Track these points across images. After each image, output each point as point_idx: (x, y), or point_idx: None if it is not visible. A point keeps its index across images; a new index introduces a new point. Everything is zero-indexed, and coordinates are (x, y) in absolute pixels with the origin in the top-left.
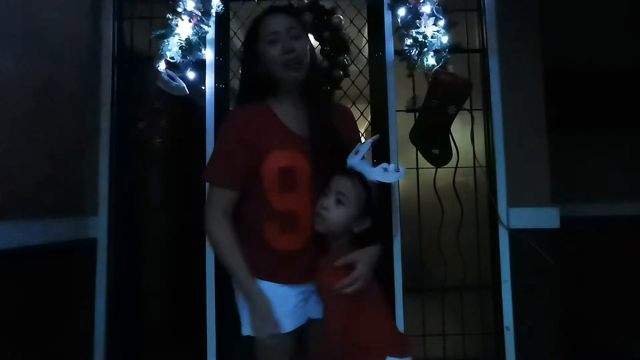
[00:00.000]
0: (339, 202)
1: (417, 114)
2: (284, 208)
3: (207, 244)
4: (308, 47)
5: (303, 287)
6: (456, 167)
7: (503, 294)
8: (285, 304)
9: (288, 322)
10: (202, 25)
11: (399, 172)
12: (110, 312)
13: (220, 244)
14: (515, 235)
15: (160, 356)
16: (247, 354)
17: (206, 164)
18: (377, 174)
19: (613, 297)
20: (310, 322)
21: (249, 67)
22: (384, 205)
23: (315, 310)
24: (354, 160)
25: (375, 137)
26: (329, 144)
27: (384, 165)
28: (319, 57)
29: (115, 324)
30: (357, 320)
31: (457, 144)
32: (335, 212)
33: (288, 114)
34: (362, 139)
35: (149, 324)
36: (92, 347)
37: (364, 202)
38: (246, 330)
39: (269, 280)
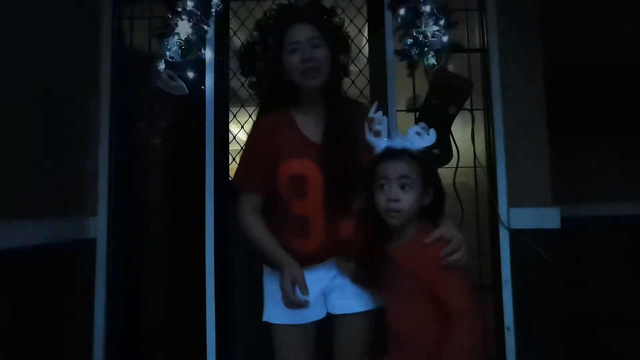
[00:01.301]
0: (404, 186)
1: (417, 113)
2: (297, 213)
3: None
4: (329, 55)
5: (320, 272)
6: (456, 167)
7: (504, 294)
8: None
9: (305, 313)
10: (201, 25)
11: (432, 132)
12: (109, 312)
13: (254, 234)
14: (516, 236)
15: (160, 356)
16: (247, 353)
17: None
18: (415, 141)
19: (613, 297)
20: (332, 318)
21: (273, 75)
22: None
23: (335, 306)
24: (383, 141)
25: (375, 104)
26: (344, 151)
27: (415, 129)
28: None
29: (114, 324)
30: None
31: (457, 143)
32: (406, 198)
33: (308, 121)
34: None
35: (149, 324)
36: (92, 347)
37: (424, 174)
38: (266, 316)
39: None
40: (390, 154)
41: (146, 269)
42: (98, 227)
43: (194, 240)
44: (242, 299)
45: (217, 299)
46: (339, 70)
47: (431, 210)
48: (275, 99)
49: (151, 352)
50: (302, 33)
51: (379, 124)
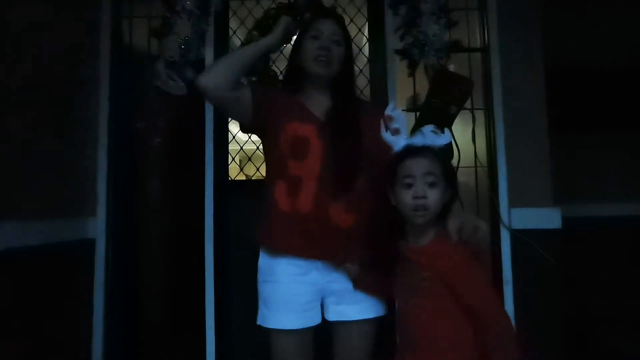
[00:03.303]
0: (430, 184)
1: (417, 113)
2: (293, 173)
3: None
4: (343, 55)
5: (314, 275)
6: (457, 167)
7: (504, 295)
8: (298, 298)
9: (300, 319)
10: (201, 24)
11: (447, 131)
12: (108, 312)
13: (227, 56)
14: (517, 236)
15: (159, 356)
16: (247, 353)
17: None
18: (434, 139)
19: (614, 297)
20: (330, 325)
21: (292, 58)
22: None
23: (333, 312)
24: (402, 139)
25: (392, 102)
26: (344, 127)
27: (430, 128)
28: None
29: (113, 325)
30: None
31: (458, 143)
32: (433, 196)
33: (313, 102)
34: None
35: (148, 324)
36: (91, 347)
37: (446, 172)
38: (260, 320)
39: (280, 253)
40: (413, 151)
41: (146, 269)
42: (97, 227)
43: (194, 240)
44: (242, 299)
45: (216, 299)
46: (348, 70)
47: (446, 208)
48: (288, 81)
49: (151, 352)
50: (327, 27)
51: (397, 122)
